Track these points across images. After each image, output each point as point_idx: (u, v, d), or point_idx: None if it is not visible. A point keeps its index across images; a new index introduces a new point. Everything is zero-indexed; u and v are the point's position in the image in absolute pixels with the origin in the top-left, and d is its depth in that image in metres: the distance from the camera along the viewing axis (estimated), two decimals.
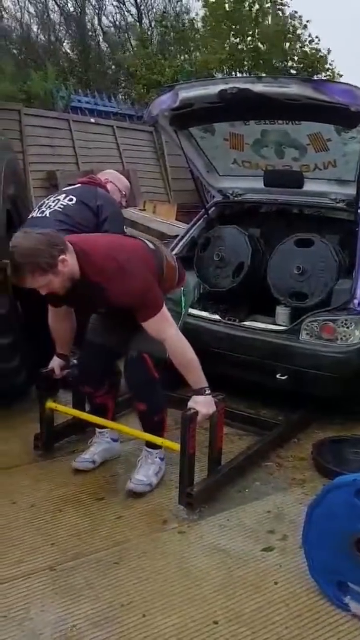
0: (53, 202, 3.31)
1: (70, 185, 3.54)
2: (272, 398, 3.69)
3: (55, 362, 3.02)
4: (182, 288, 2.89)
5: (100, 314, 2.88)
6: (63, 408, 3.10)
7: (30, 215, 3.47)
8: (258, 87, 3.36)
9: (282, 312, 3.75)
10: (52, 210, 3.23)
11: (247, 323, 3.74)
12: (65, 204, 3.26)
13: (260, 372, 3.53)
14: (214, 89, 3.50)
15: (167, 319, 2.56)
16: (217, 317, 3.80)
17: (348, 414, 3.55)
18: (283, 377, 3.42)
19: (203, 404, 2.58)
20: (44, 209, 3.28)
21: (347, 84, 3.31)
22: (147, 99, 9.38)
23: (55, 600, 2.08)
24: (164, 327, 2.55)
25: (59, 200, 3.30)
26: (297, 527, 2.34)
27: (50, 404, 3.05)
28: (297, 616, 2.03)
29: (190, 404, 2.60)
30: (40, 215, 3.27)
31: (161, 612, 2.03)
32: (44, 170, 8.14)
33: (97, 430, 3.04)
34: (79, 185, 3.48)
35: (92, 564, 2.27)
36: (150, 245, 2.76)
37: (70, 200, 3.25)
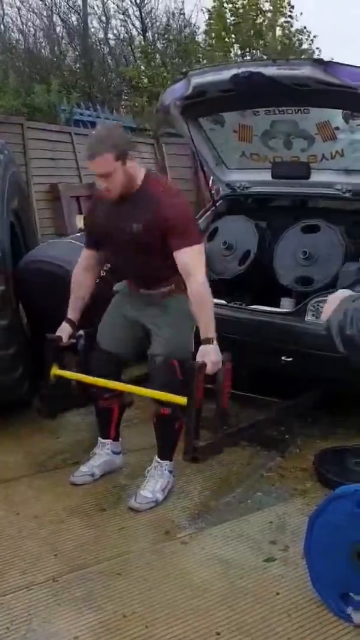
0: None
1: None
2: (280, 389, 3.60)
3: (65, 331, 2.92)
4: None
5: (131, 260, 2.81)
6: (68, 373, 2.98)
7: None
8: (270, 71, 3.32)
9: (287, 303, 3.72)
10: None
11: (252, 306, 3.70)
12: None
13: (265, 354, 3.50)
14: (227, 74, 3.47)
15: (202, 259, 2.64)
16: (222, 301, 3.71)
17: (350, 424, 3.55)
18: (288, 359, 3.38)
19: (212, 353, 2.57)
20: None
21: (357, 66, 3.25)
22: (149, 111, 9.48)
23: (58, 611, 2.08)
24: (196, 264, 2.60)
25: None
26: (299, 537, 2.33)
27: (55, 371, 2.96)
28: (300, 627, 2.03)
29: (198, 356, 2.57)
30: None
31: (164, 623, 2.03)
32: (46, 183, 8.17)
33: (100, 440, 3.05)
34: None
35: (94, 575, 2.27)
36: None
37: None
